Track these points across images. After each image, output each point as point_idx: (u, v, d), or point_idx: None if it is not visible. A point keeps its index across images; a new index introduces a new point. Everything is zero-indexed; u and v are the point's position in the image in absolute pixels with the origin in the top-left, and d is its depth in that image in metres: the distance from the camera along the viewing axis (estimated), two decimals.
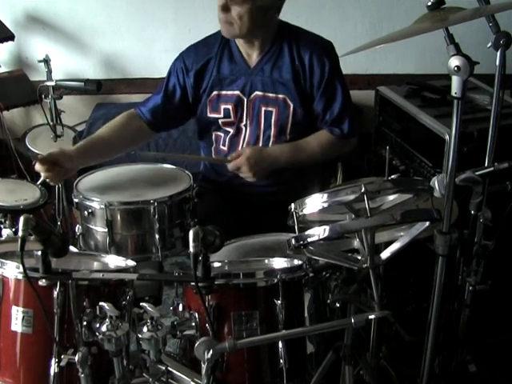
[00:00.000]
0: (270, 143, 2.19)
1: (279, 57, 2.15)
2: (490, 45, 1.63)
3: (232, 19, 2.04)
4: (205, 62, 2.19)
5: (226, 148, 2.25)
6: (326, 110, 2.18)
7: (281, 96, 2.15)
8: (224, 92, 2.19)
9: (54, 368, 1.49)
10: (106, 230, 1.89)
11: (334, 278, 1.67)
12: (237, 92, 2.18)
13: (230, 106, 2.19)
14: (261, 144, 2.20)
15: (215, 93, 2.20)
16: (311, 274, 1.63)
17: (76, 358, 1.46)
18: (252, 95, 2.18)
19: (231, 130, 2.23)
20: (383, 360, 2.00)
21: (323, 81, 2.14)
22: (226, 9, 2.03)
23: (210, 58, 2.19)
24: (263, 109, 2.17)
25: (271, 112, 2.17)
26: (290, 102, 2.15)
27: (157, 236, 1.90)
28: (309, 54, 2.13)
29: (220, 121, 2.22)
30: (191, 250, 1.37)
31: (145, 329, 1.50)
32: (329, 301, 1.63)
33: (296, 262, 1.63)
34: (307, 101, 2.16)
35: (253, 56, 2.18)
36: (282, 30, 2.17)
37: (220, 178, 2.30)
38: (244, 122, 2.21)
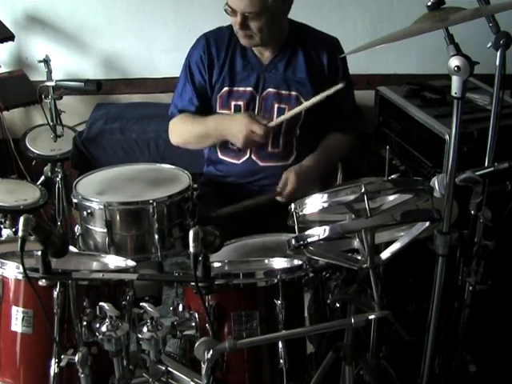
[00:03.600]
0: (280, 140, 2.20)
1: (293, 55, 2.17)
2: (490, 45, 1.63)
3: (252, 33, 2.06)
4: (215, 55, 2.19)
5: (235, 146, 2.22)
6: (338, 107, 2.22)
7: (294, 93, 2.17)
8: (236, 88, 2.19)
9: (54, 368, 1.49)
10: (106, 230, 1.89)
11: (334, 278, 1.67)
12: (249, 88, 2.18)
13: (241, 103, 2.19)
14: (270, 141, 2.19)
15: (226, 89, 2.20)
16: (311, 274, 1.63)
17: (76, 358, 1.46)
18: (264, 92, 2.18)
19: None
20: (383, 360, 2.00)
21: (338, 78, 2.17)
22: (244, 25, 2.04)
23: (220, 53, 2.19)
24: (276, 106, 2.18)
25: (284, 109, 2.17)
26: (302, 99, 2.16)
27: (156, 236, 1.89)
28: (326, 54, 2.17)
29: None
30: (191, 250, 1.37)
31: (145, 329, 1.50)
32: (329, 301, 1.63)
33: (296, 262, 1.63)
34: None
35: (265, 54, 2.18)
36: (292, 28, 2.18)
37: (223, 179, 2.30)
38: None
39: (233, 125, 2.10)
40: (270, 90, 2.18)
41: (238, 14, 2.01)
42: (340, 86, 1.99)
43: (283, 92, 2.17)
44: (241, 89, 2.19)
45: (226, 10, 2.05)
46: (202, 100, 2.23)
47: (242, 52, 2.19)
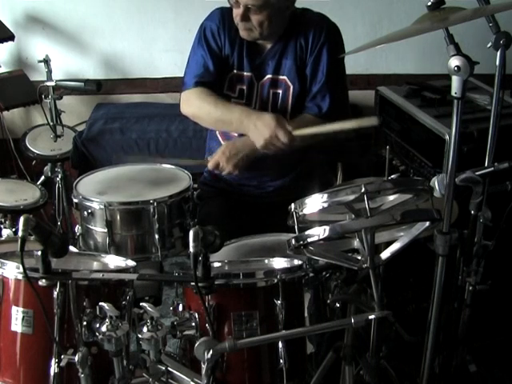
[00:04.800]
0: None
1: (288, 40, 2.16)
2: (490, 45, 1.63)
3: (251, 26, 2.06)
4: (228, 31, 2.16)
5: (236, 134, 2.19)
6: (311, 83, 2.16)
7: (284, 77, 2.16)
8: (241, 73, 2.19)
9: (54, 368, 1.49)
10: (106, 230, 1.89)
11: (334, 278, 1.67)
12: (250, 74, 2.18)
13: (244, 87, 2.19)
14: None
15: (235, 72, 2.19)
16: (311, 274, 1.62)
17: (76, 358, 1.46)
18: (263, 79, 2.18)
19: None
20: (383, 360, 2.00)
21: (314, 52, 2.13)
22: (245, 18, 2.04)
23: (231, 31, 2.16)
24: (271, 91, 2.18)
25: (278, 94, 2.17)
26: (289, 83, 2.16)
27: (156, 236, 1.89)
28: (313, 31, 2.13)
29: (232, 101, 2.20)
30: (191, 250, 1.37)
31: (145, 329, 1.49)
32: (329, 301, 1.63)
33: (296, 261, 1.63)
34: (305, 81, 2.16)
35: (266, 43, 2.18)
36: (292, 15, 2.17)
37: (219, 183, 2.30)
38: (252, 106, 2.20)
39: (258, 124, 2.02)
40: (268, 76, 2.17)
41: (240, 6, 2.02)
42: (375, 121, 1.91)
43: (278, 77, 2.17)
44: (245, 74, 2.19)
45: (229, 1, 2.06)
46: (217, 69, 2.18)
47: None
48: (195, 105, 2.18)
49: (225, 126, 2.17)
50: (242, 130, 2.08)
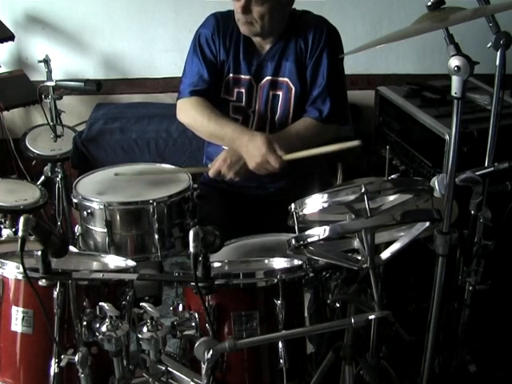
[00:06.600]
0: (276, 130, 2.18)
1: (288, 42, 2.16)
2: (490, 45, 1.63)
3: (252, 19, 2.06)
4: (223, 37, 2.17)
5: None
6: (311, 87, 2.17)
7: (285, 79, 2.17)
8: (238, 76, 2.19)
9: (54, 368, 1.48)
10: (106, 230, 1.89)
11: (334, 278, 1.66)
12: (249, 77, 2.18)
13: (243, 90, 2.19)
14: (267, 131, 2.18)
15: (231, 75, 2.19)
16: (311, 274, 1.62)
17: (76, 358, 1.46)
18: (263, 81, 2.18)
19: (240, 118, 2.22)
20: (383, 360, 2.00)
21: (314, 56, 2.14)
22: (246, 10, 2.04)
23: (226, 36, 2.17)
24: (271, 93, 2.18)
25: (278, 96, 2.18)
26: (291, 84, 2.16)
27: (156, 236, 1.90)
28: (312, 34, 2.14)
29: (231, 104, 2.22)
30: (191, 250, 1.37)
31: (145, 329, 1.49)
32: (329, 301, 1.63)
33: (296, 261, 1.62)
34: (306, 83, 2.17)
35: (264, 43, 2.18)
36: (291, 17, 2.17)
37: (219, 183, 2.30)
38: (252, 108, 2.21)
39: (250, 146, 2.03)
40: (268, 78, 2.18)
41: None
42: (356, 142, 1.93)
43: (277, 79, 2.18)
44: (242, 77, 2.19)
45: None
46: (212, 76, 2.19)
47: (245, 39, 2.18)
48: (190, 115, 2.20)
49: (218, 141, 2.19)
50: (235, 148, 2.08)
